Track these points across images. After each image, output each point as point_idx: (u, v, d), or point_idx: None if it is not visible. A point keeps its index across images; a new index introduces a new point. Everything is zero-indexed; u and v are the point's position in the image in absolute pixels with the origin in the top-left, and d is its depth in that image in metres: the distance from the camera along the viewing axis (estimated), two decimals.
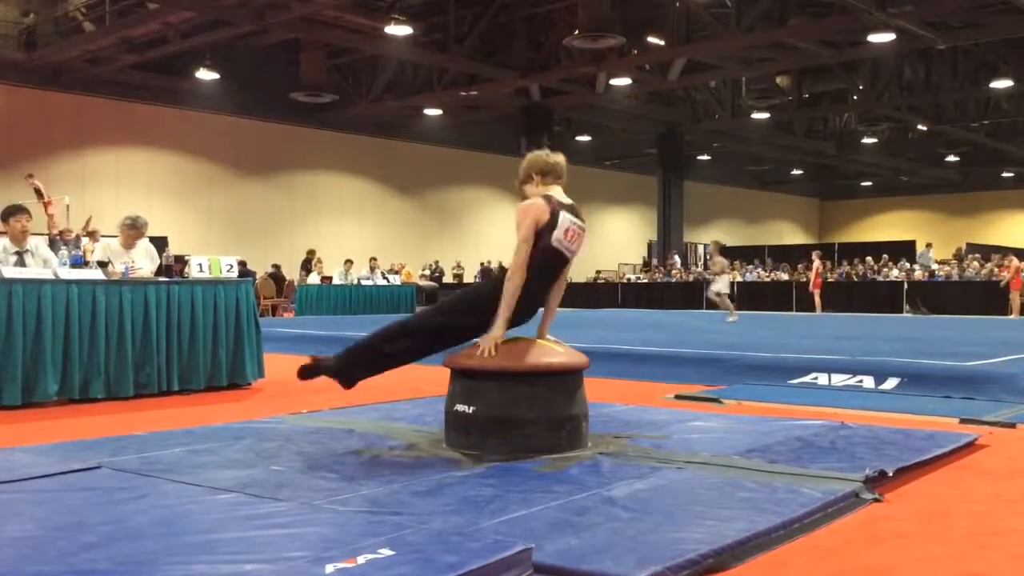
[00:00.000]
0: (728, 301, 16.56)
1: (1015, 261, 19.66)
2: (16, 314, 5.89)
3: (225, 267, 7.24)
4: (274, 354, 8.78)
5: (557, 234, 4.13)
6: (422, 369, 8.34)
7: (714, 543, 2.73)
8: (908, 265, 23.97)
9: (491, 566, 2.37)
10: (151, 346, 6.55)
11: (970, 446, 4.48)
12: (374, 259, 21.14)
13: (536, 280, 4.15)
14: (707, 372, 7.61)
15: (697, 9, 18.74)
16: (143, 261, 7.12)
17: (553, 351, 4.15)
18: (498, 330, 4.07)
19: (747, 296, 23.58)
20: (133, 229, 7.22)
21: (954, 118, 27.11)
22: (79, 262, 6.95)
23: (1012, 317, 18.45)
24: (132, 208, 7.58)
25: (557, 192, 4.31)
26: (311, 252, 20.80)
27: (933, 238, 29.05)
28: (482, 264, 27.94)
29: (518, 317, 4.17)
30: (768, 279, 25.19)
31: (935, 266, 23.74)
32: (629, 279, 28.46)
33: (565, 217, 4.17)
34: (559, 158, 4.41)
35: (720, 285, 16.11)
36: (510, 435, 3.99)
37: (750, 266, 26.48)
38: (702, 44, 19.52)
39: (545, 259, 4.14)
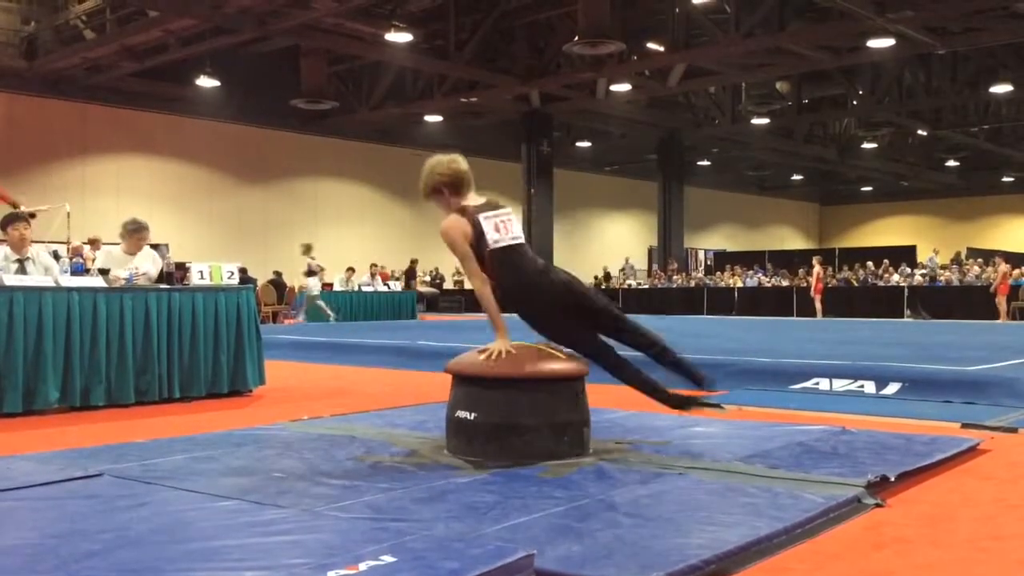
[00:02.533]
0: (323, 305, 16.97)
1: (1003, 265, 19.54)
2: (17, 322, 5.89)
3: (226, 274, 7.23)
4: (275, 361, 8.78)
5: (490, 237, 4.12)
6: (423, 375, 8.36)
7: (716, 549, 2.72)
8: (909, 270, 23.96)
9: (493, 572, 2.37)
10: (152, 353, 6.54)
11: (972, 451, 4.47)
12: (374, 265, 21.16)
13: (514, 275, 4.14)
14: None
15: (697, 15, 18.78)
16: (147, 266, 7.10)
17: (555, 357, 4.15)
18: (501, 337, 4.08)
19: (748, 301, 23.58)
20: (141, 232, 7.18)
21: (954, 123, 27.15)
22: (80, 270, 6.96)
23: (999, 322, 18.32)
24: (132, 215, 7.53)
25: (470, 199, 4.24)
26: (414, 262, 20.69)
27: (934, 243, 29.04)
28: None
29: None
30: (769, 284, 25.18)
31: (940, 271, 23.72)
32: (630, 284, 28.46)
33: (486, 220, 4.15)
34: (464, 165, 4.27)
35: (312, 287, 16.29)
36: (512, 441, 3.98)
37: (750, 271, 26.46)
38: (702, 50, 19.55)
39: (499, 259, 4.13)
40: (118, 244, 7.34)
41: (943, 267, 24.20)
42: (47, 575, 2.41)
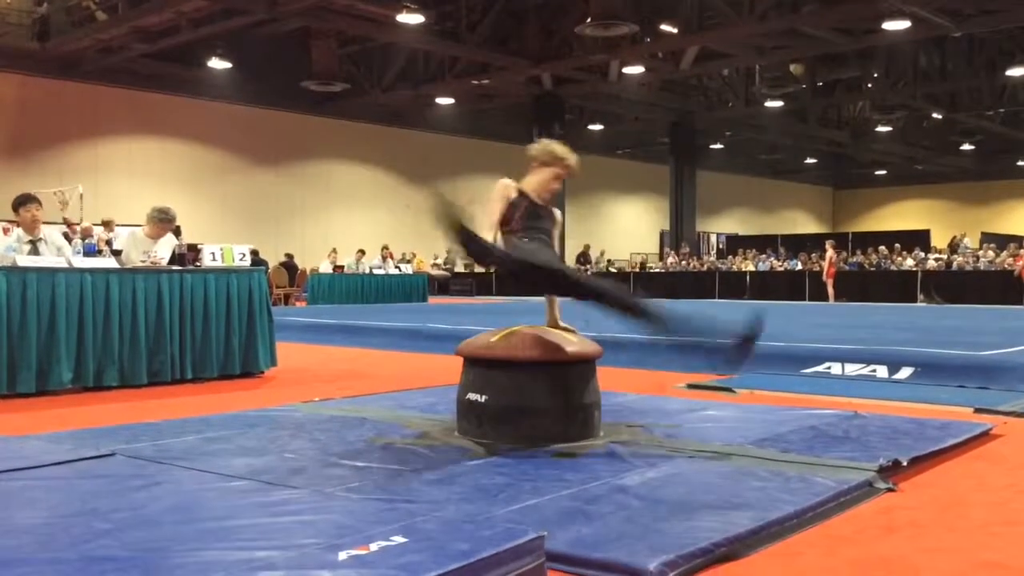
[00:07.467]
0: None
1: None
2: (31, 302, 5.93)
3: (238, 256, 7.25)
4: (286, 343, 8.81)
5: None
6: (434, 358, 8.37)
7: (727, 532, 2.72)
8: (922, 254, 23.81)
9: (503, 553, 2.37)
10: (164, 334, 6.57)
11: (984, 436, 4.45)
12: (386, 247, 21.18)
13: None
14: (719, 361, 7.57)
15: None
16: (165, 252, 7.14)
17: (566, 340, 4.15)
18: None
19: (760, 286, 23.51)
20: (167, 224, 7.22)
21: (969, 106, 26.89)
22: (93, 251, 6.99)
23: None
24: (145, 197, 7.59)
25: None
26: (587, 247, 20.47)
27: (948, 227, 28.84)
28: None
29: None
30: (781, 268, 25.10)
31: (957, 256, 23.51)
32: (641, 268, 28.41)
33: None
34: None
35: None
36: (522, 424, 3.99)
37: (763, 255, 26.38)
38: (715, 32, 19.39)
39: None
40: (140, 227, 7.38)
41: (970, 250, 23.89)
42: (60, 554, 2.42)
